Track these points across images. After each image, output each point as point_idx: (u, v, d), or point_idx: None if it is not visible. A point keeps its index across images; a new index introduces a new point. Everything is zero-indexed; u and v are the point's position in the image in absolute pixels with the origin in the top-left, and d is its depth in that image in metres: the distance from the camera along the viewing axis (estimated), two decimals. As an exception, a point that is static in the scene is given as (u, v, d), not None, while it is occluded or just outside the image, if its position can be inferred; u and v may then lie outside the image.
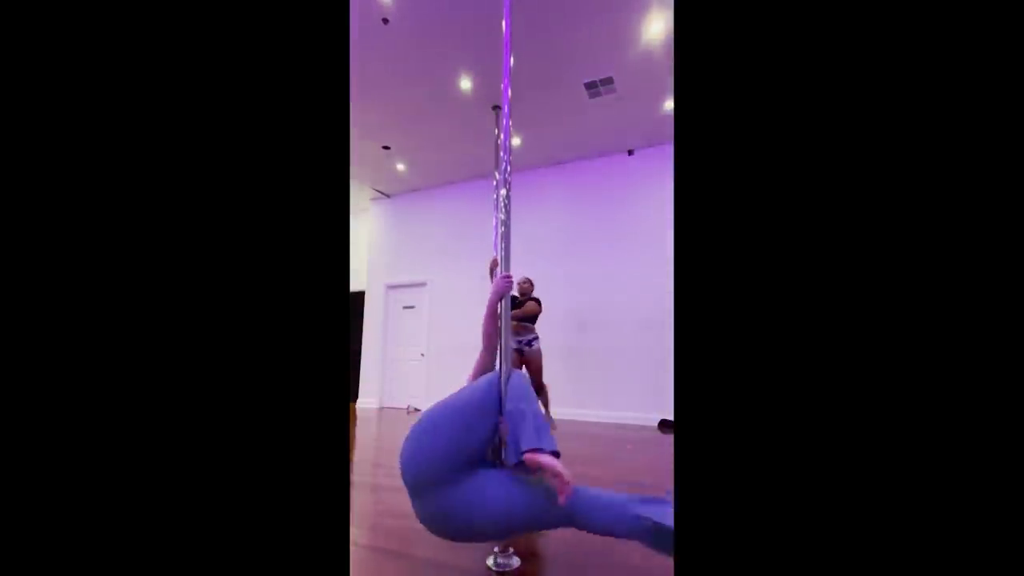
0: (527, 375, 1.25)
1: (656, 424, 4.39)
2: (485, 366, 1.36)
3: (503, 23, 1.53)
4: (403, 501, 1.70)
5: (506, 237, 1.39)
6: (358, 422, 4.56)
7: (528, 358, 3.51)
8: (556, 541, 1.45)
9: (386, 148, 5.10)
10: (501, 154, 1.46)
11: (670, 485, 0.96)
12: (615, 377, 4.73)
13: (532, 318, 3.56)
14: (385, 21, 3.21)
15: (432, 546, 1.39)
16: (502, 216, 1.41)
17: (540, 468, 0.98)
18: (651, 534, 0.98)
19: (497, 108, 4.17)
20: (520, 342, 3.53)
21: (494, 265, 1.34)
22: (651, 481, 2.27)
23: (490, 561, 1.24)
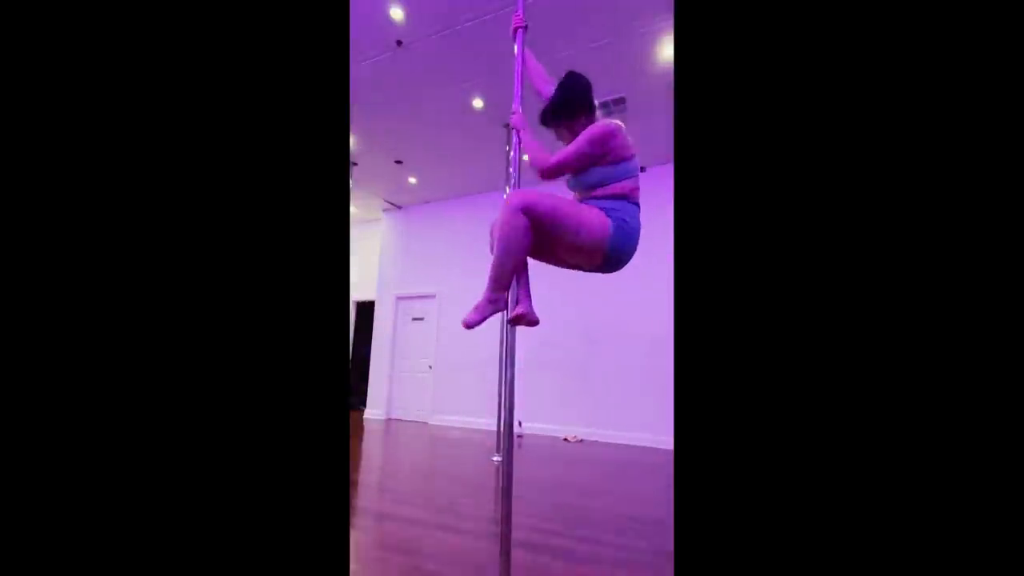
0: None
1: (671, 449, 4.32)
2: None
3: (515, 44, 1.57)
4: (412, 534, 1.67)
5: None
6: (364, 433, 4.54)
7: None
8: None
9: (398, 162, 5.19)
10: (511, 170, 1.49)
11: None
12: (625, 397, 4.68)
13: None
14: (399, 43, 3.29)
15: None
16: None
17: None
18: None
19: (508, 126, 4.23)
20: None
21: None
22: (656, 517, 2.23)
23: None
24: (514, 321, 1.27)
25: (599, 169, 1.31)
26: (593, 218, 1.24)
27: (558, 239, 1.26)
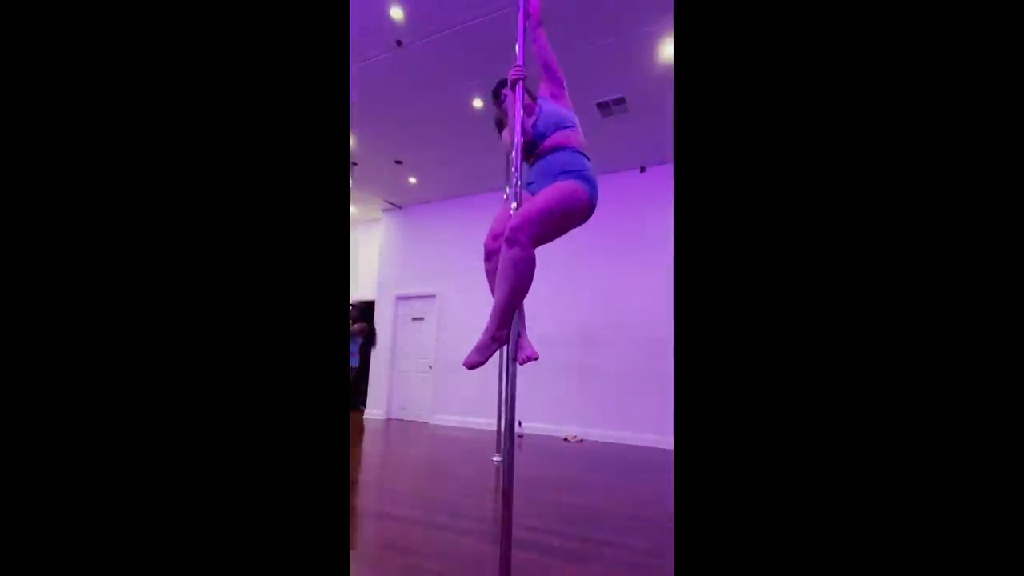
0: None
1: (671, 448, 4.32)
2: None
3: (516, 44, 1.57)
4: (414, 535, 1.67)
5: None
6: (364, 433, 4.54)
7: None
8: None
9: (398, 162, 5.19)
10: (512, 169, 1.49)
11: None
12: (625, 397, 4.68)
13: None
14: (399, 43, 3.29)
15: None
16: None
17: None
18: None
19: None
20: None
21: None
22: (656, 517, 2.23)
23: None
24: (524, 362, 1.31)
25: (562, 110, 1.53)
26: (568, 191, 1.38)
27: (561, 228, 1.40)
